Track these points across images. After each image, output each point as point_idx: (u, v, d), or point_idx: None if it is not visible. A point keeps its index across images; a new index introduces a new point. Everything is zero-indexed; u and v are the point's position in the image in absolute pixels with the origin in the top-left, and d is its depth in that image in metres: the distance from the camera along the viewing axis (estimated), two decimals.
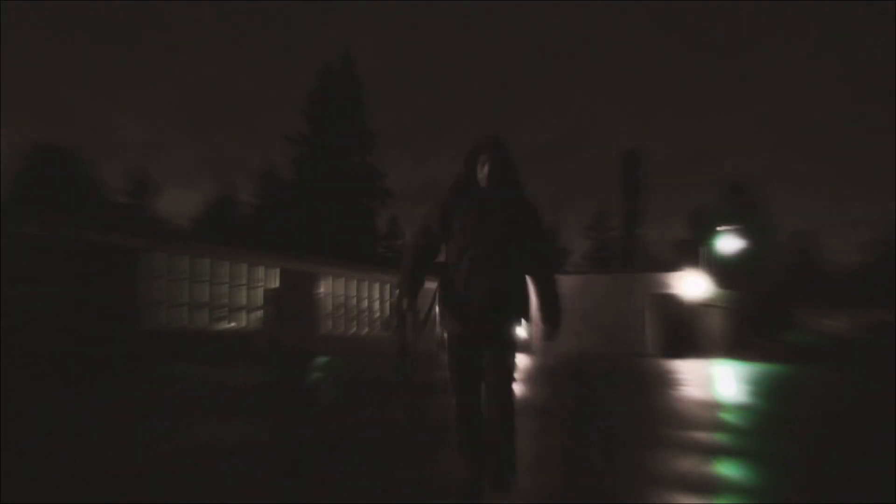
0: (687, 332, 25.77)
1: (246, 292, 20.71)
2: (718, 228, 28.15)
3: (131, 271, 18.93)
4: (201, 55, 78.99)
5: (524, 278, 3.48)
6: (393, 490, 4.49)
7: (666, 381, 15.18)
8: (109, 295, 18.44)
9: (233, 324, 20.20)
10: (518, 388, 11.71)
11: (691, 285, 26.83)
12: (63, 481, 4.74)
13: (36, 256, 16.95)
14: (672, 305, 26.51)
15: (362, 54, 79.19)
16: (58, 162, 33.33)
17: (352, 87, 37.75)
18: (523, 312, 3.48)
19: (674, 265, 30.91)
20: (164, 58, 77.72)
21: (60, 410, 8.48)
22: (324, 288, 23.18)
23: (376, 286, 25.39)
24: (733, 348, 25.68)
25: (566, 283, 30.42)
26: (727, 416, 9.24)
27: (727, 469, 5.53)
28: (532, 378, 14.74)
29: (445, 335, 3.57)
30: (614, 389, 13.48)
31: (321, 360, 18.60)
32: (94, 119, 70.95)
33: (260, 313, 20.81)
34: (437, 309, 3.73)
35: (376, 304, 25.47)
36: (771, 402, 11.76)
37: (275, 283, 21.30)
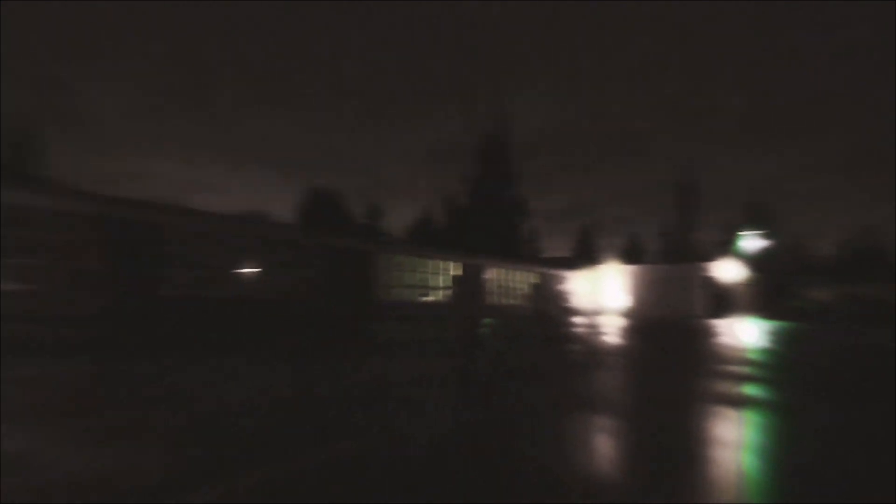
0: (723, 301, 28.47)
1: (440, 278, 22.29)
2: (741, 233, 32.27)
3: (369, 266, 19.99)
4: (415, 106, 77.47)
5: None
6: (538, 406, 4.59)
7: (709, 333, 15.01)
8: (356, 281, 19.42)
9: (431, 298, 21.78)
10: (614, 339, 12.05)
11: (726, 270, 29.57)
12: (327, 388, 5.11)
13: (310, 258, 17.99)
14: (714, 284, 29.53)
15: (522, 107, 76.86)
16: (325, 199, 36.77)
17: (504, 143, 40.20)
18: None
19: (715, 257, 33.86)
20: (393, 102, 75.79)
21: (333, 349, 8.96)
22: (488, 274, 24.48)
23: (520, 273, 26.38)
24: (756, 311, 28.42)
25: (648, 270, 31.60)
26: (752, 355, 9.35)
27: (752, 390, 5.51)
28: (624, 333, 14.94)
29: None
30: (674, 338, 13.55)
31: (487, 320, 20.27)
32: (357, 162, 71.87)
33: (449, 291, 22.28)
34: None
35: (520, 285, 26.37)
36: (783, 345, 11.74)
37: (458, 271, 22.75)
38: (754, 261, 31.09)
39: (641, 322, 21.95)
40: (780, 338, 13.72)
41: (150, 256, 14.44)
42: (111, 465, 2.74)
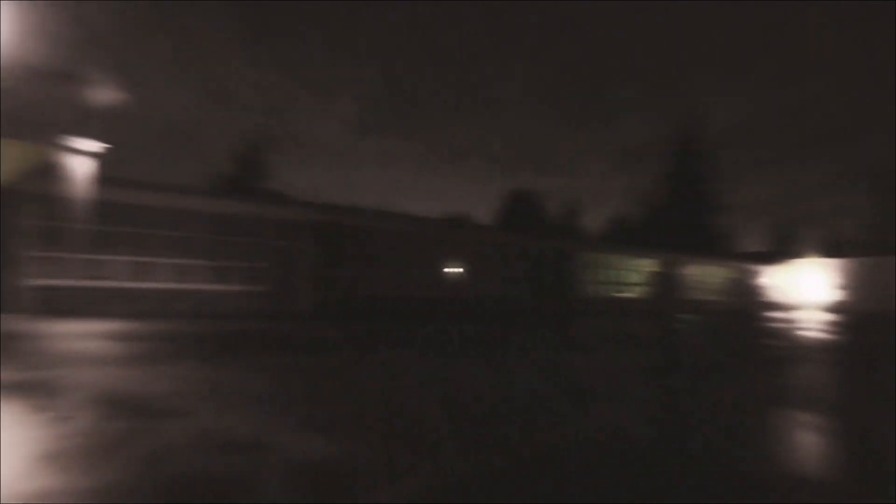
0: None
1: (637, 275, 22.77)
2: None
3: (568, 264, 20.49)
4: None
5: None
6: (738, 401, 4.50)
7: None
8: (556, 278, 19.52)
9: (629, 294, 22.31)
10: (815, 334, 11.68)
11: None
12: (529, 381, 5.00)
13: (511, 258, 18.46)
14: None
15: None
16: (524, 200, 38.27)
17: (697, 138, 38.74)
18: None
19: None
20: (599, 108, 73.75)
21: (534, 343, 8.80)
22: (685, 271, 24.35)
23: (716, 269, 25.55)
24: None
25: (850, 264, 27.91)
26: None
27: None
28: (825, 328, 14.18)
29: None
30: (880, 333, 13.11)
31: (684, 316, 19.65)
32: (553, 163, 71.39)
33: (646, 287, 22.67)
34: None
35: (716, 281, 25.49)
36: None
37: (655, 268, 22.97)
38: None
39: (843, 316, 19.99)
40: None
41: (361, 258, 14.66)
42: (339, 450, 2.83)
